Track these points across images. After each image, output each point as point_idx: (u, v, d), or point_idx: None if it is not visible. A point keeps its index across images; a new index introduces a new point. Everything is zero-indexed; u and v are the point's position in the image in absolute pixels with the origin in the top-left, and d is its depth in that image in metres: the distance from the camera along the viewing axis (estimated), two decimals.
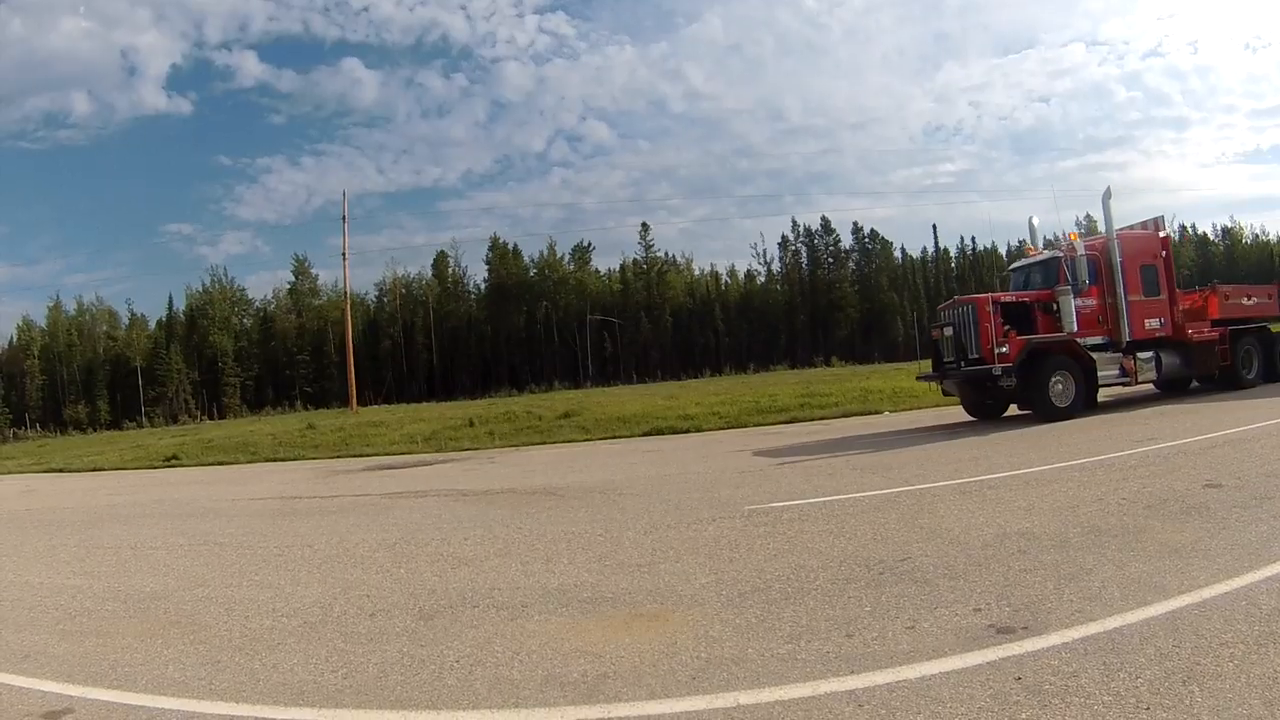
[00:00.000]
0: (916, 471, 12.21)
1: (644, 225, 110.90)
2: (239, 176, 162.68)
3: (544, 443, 24.55)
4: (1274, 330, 23.09)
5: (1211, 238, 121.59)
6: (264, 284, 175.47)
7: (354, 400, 56.01)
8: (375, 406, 62.00)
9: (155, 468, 27.77)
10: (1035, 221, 22.13)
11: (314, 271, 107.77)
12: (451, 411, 39.31)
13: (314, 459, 25.80)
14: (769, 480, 12.85)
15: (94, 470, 28.73)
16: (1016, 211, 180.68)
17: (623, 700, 4.60)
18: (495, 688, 4.92)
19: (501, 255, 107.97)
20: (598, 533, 9.66)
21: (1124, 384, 19.98)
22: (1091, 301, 19.59)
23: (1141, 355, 19.74)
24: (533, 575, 7.79)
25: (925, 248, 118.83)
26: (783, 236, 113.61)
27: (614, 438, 24.29)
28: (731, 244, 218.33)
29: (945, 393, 21.14)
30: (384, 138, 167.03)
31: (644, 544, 8.79)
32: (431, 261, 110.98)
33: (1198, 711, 3.83)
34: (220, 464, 26.76)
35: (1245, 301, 22.96)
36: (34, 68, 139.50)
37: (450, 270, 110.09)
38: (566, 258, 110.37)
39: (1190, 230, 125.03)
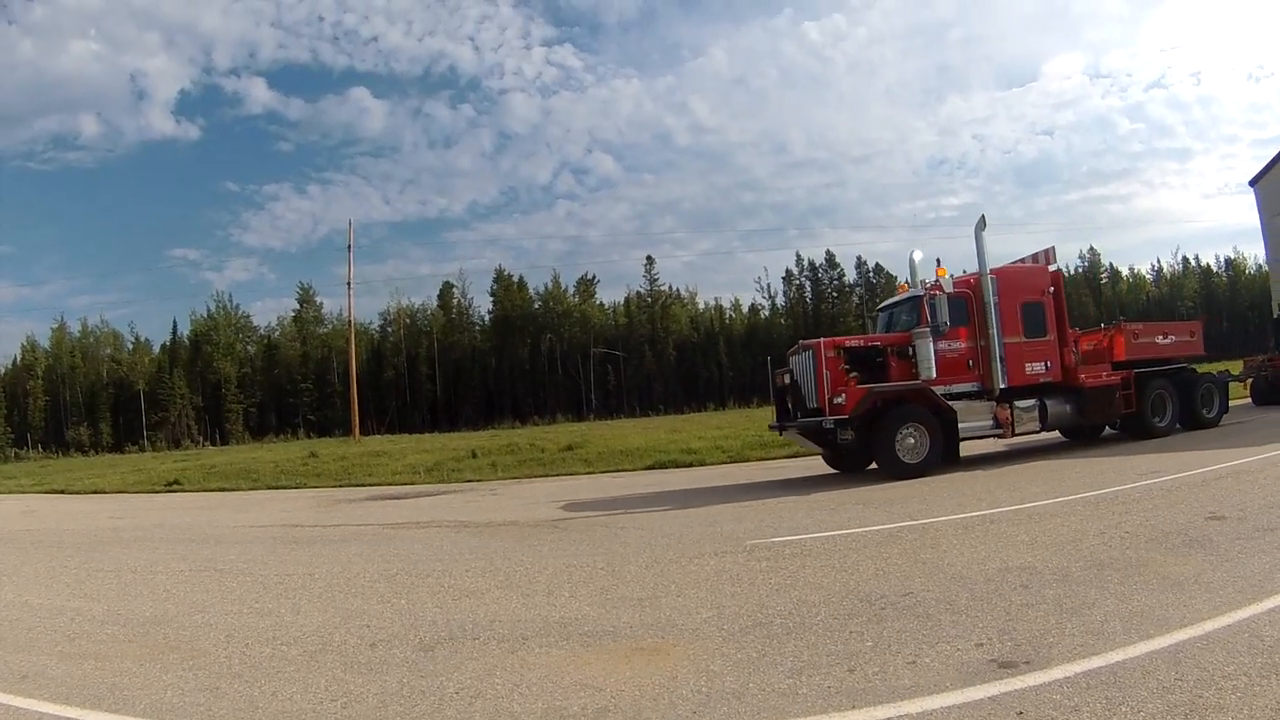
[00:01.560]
0: (919, 506, 12.19)
1: (649, 259, 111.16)
2: (246, 203, 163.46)
3: (546, 475, 24.51)
4: (1200, 371, 22.03)
5: (1214, 269, 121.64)
6: (269, 311, 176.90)
7: (357, 429, 55.99)
8: (378, 436, 61.91)
9: (157, 492, 27.74)
10: (916, 257, 20.69)
11: (319, 300, 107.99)
12: (454, 442, 39.29)
13: (316, 487, 25.76)
14: (771, 514, 12.82)
15: (95, 493, 28.74)
16: (1021, 244, 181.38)
17: None
18: None
19: (506, 286, 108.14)
20: (599, 565, 9.65)
21: (996, 435, 17.99)
22: (960, 344, 17.76)
23: (1021, 404, 17.86)
24: (534, 607, 7.78)
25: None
26: (786, 270, 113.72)
27: (617, 471, 24.25)
28: (735, 277, 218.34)
29: (802, 444, 19.21)
30: (390, 167, 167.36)
31: (645, 577, 8.79)
32: (437, 292, 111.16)
33: None
34: (222, 490, 26.72)
35: (1160, 340, 21.31)
36: (43, 90, 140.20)
37: (455, 301, 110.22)
38: (571, 290, 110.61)
39: (1194, 262, 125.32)
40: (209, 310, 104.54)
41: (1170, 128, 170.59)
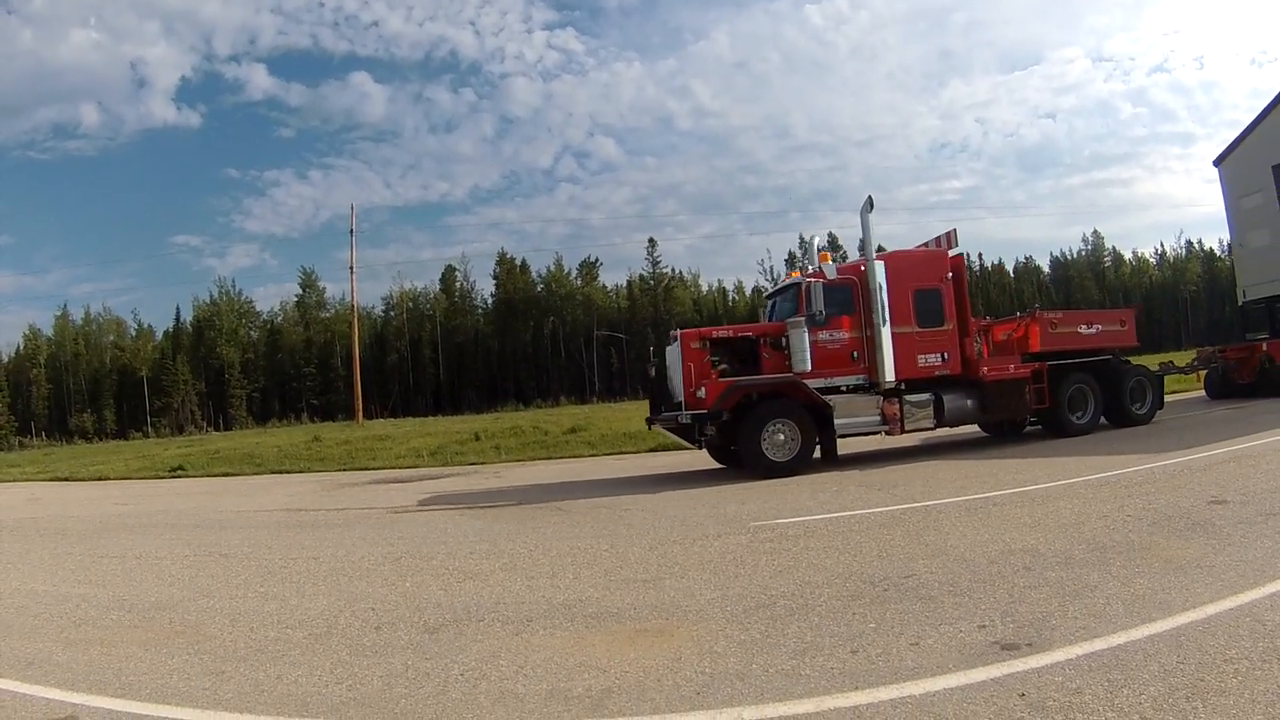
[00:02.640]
0: (922, 488, 12.21)
1: (651, 241, 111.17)
2: (247, 189, 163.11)
3: (550, 458, 24.56)
4: (1131, 364, 20.48)
5: (1218, 253, 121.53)
6: (271, 296, 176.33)
7: (360, 413, 56.09)
8: (381, 420, 62.04)
9: (161, 478, 27.78)
10: (816, 241, 18.88)
11: (321, 285, 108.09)
12: (457, 426, 39.37)
13: (320, 471, 25.80)
14: (774, 496, 12.83)
15: (99, 479, 28.74)
16: (1023, 228, 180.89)
17: (627, 715, 4.61)
18: (500, 701, 4.93)
19: (509, 270, 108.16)
20: (603, 548, 9.68)
21: (884, 432, 16.90)
22: (843, 334, 16.68)
23: (912, 398, 16.81)
24: (538, 590, 7.79)
25: None
26: (789, 253, 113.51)
27: (620, 453, 24.27)
28: (739, 260, 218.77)
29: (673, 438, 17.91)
30: (392, 152, 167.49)
31: (649, 559, 8.81)
32: (439, 276, 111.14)
33: None
34: (226, 475, 26.75)
35: (1084, 330, 19.70)
36: (44, 79, 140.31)
37: (458, 284, 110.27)
38: (574, 273, 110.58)
39: (1198, 246, 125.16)
40: (211, 296, 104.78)
41: (1173, 112, 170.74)
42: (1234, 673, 4.40)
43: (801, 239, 20.44)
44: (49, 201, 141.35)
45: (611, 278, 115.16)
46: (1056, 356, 18.72)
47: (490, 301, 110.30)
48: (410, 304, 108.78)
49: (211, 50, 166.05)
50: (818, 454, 16.33)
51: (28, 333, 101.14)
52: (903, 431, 16.90)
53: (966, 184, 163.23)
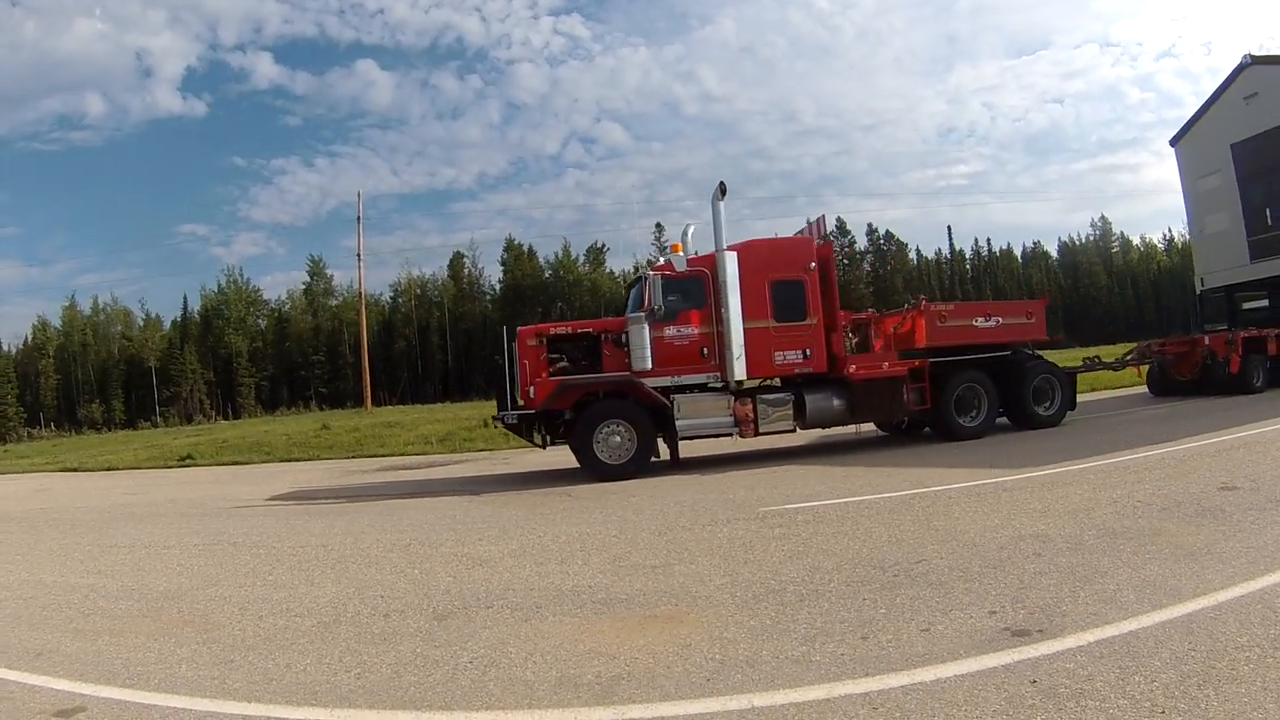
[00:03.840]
0: (932, 473, 12.19)
1: (658, 226, 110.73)
2: (253, 178, 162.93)
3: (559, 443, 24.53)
4: (1042, 360, 18.87)
5: None
6: (279, 285, 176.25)
7: (369, 401, 56.09)
8: (390, 407, 62.01)
9: (170, 467, 27.84)
10: (690, 231, 17.12)
11: (329, 272, 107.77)
12: (466, 412, 39.27)
13: (329, 459, 25.87)
14: (783, 481, 12.84)
15: (108, 470, 28.81)
16: (1030, 213, 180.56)
17: (636, 702, 4.60)
18: (509, 689, 4.93)
19: (516, 256, 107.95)
20: (612, 534, 9.69)
21: (736, 434, 15.79)
22: (692, 330, 15.73)
23: (768, 398, 15.87)
24: (547, 576, 7.79)
25: (940, 249, 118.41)
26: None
27: None
28: None
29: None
30: (398, 139, 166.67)
31: (658, 545, 8.80)
32: (447, 262, 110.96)
33: (1213, 715, 3.81)
34: (235, 464, 26.82)
35: (979, 323, 18.13)
36: (48, 69, 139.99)
37: (466, 271, 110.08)
38: (581, 259, 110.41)
39: None
40: (219, 285, 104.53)
41: (1180, 98, 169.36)
42: (1246, 660, 4.38)
43: (685, 231, 18.39)
44: (55, 192, 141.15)
45: (619, 263, 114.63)
46: (952, 352, 17.53)
47: (498, 288, 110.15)
48: (418, 291, 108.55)
49: (217, 39, 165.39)
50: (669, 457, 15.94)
51: (36, 324, 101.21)
52: (756, 434, 15.90)
53: (974, 169, 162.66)
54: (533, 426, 15.64)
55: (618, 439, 15.01)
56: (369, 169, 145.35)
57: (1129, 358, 24.32)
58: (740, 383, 15.80)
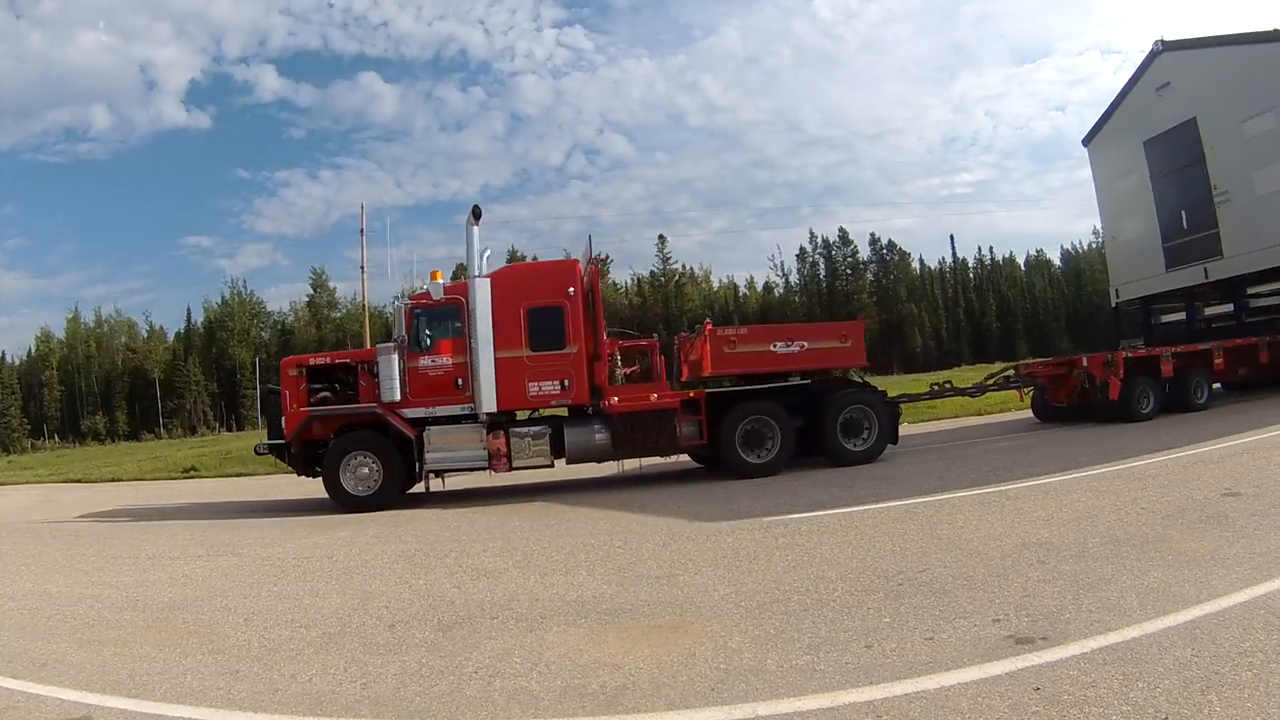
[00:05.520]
0: (935, 482, 12.19)
1: (661, 237, 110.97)
2: (258, 190, 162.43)
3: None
4: (858, 388, 16.95)
5: None
6: (282, 297, 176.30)
7: None
8: None
9: (174, 478, 27.84)
10: (486, 254, 16.62)
11: (332, 284, 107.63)
12: None
13: None
14: (787, 491, 12.85)
15: (113, 481, 28.82)
16: (1035, 221, 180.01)
17: (641, 711, 4.61)
18: (514, 699, 4.94)
19: None
20: (617, 544, 9.70)
21: (491, 469, 15.19)
22: (445, 360, 15.30)
23: (521, 430, 15.23)
24: (552, 587, 7.81)
25: (943, 258, 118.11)
26: (801, 248, 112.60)
27: None
28: (750, 255, 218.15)
29: None
30: (402, 151, 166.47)
31: (663, 555, 8.81)
32: (451, 274, 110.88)
33: None
34: (239, 475, 26.78)
35: (777, 349, 16.22)
36: (54, 82, 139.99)
37: None
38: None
39: None
40: (223, 297, 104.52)
41: None
42: (1249, 665, 4.40)
43: (482, 255, 17.29)
44: (60, 204, 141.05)
45: (622, 275, 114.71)
46: (747, 380, 16.36)
47: None
48: None
49: (221, 52, 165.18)
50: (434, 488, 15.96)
51: (40, 335, 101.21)
52: (510, 469, 15.20)
53: (978, 177, 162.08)
54: (302, 456, 15.50)
55: (366, 470, 14.85)
56: (373, 181, 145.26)
57: (990, 382, 21.21)
58: (492, 415, 15.19)
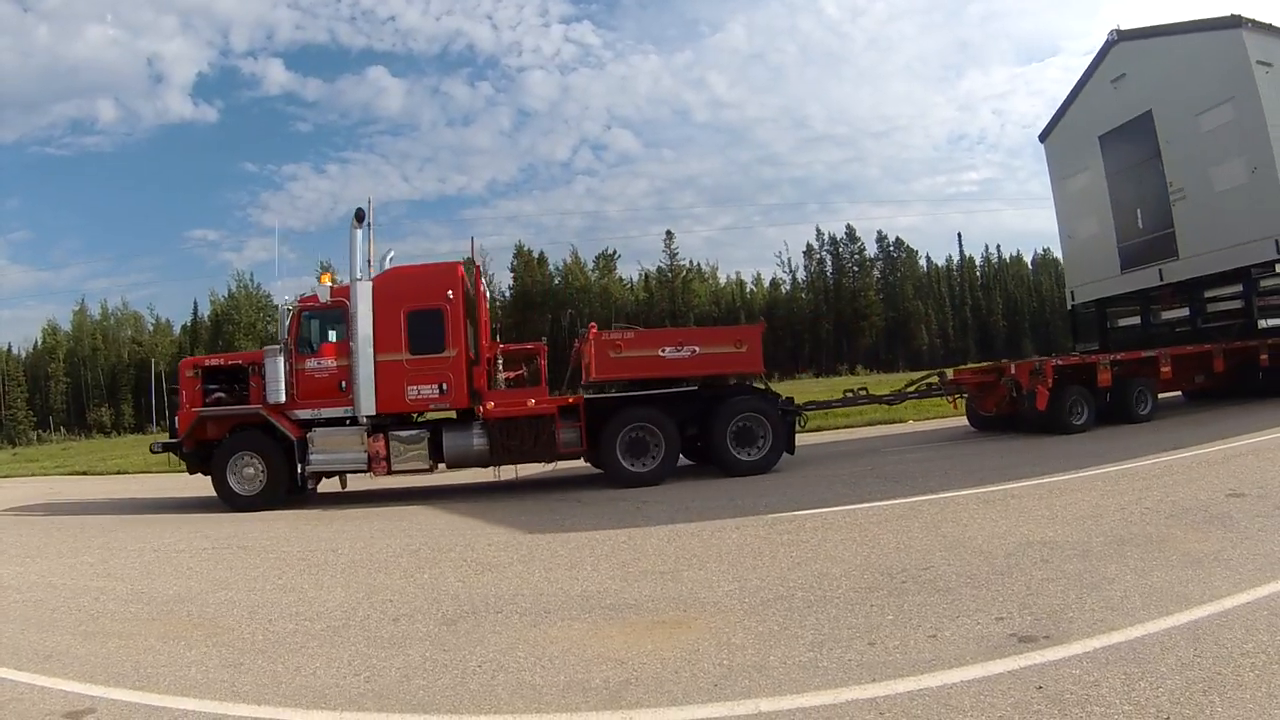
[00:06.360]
0: (940, 480, 12.18)
1: (668, 233, 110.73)
2: (264, 183, 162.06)
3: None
4: (753, 396, 16.17)
5: None
6: (289, 290, 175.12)
7: None
8: None
9: (179, 472, 27.78)
10: (390, 255, 17.01)
11: (339, 278, 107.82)
12: None
13: None
14: (791, 488, 12.85)
15: (118, 473, 28.89)
16: (1041, 219, 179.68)
17: (645, 706, 4.62)
18: (518, 693, 4.95)
19: (526, 262, 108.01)
20: (621, 539, 9.71)
21: (371, 472, 15.22)
22: (330, 363, 15.36)
23: (401, 434, 15.12)
24: (556, 581, 7.82)
25: (950, 256, 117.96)
26: (807, 245, 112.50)
27: None
28: (756, 252, 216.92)
29: None
30: (409, 146, 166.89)
31: (667, 551, 8.82)
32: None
33: None
34: None
35: (666, 354, 15.67)
36: (61, 75, 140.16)
37: None
38: (591, 266, 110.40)
39: None
40: (229, 290, 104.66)
41: None
42: (1251, 666, 4.40)
43: (385, 256, 17.07)
44: (67, 197, 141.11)
45: (629, 270, 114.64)
46: (633, 386, 16.09)
47: (508, 294, 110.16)
48: None
49: (228, 45, 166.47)
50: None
51: (46, 327, 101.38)
52: (389, 472, 15.18)
53: (984, 175, 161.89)
54: (196, 455, 15.69)
55: (250, 470, 15.02)
56: (380, 175, 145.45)
57: (910, 389, 20.17)
58: (375, 418, 15.15)
